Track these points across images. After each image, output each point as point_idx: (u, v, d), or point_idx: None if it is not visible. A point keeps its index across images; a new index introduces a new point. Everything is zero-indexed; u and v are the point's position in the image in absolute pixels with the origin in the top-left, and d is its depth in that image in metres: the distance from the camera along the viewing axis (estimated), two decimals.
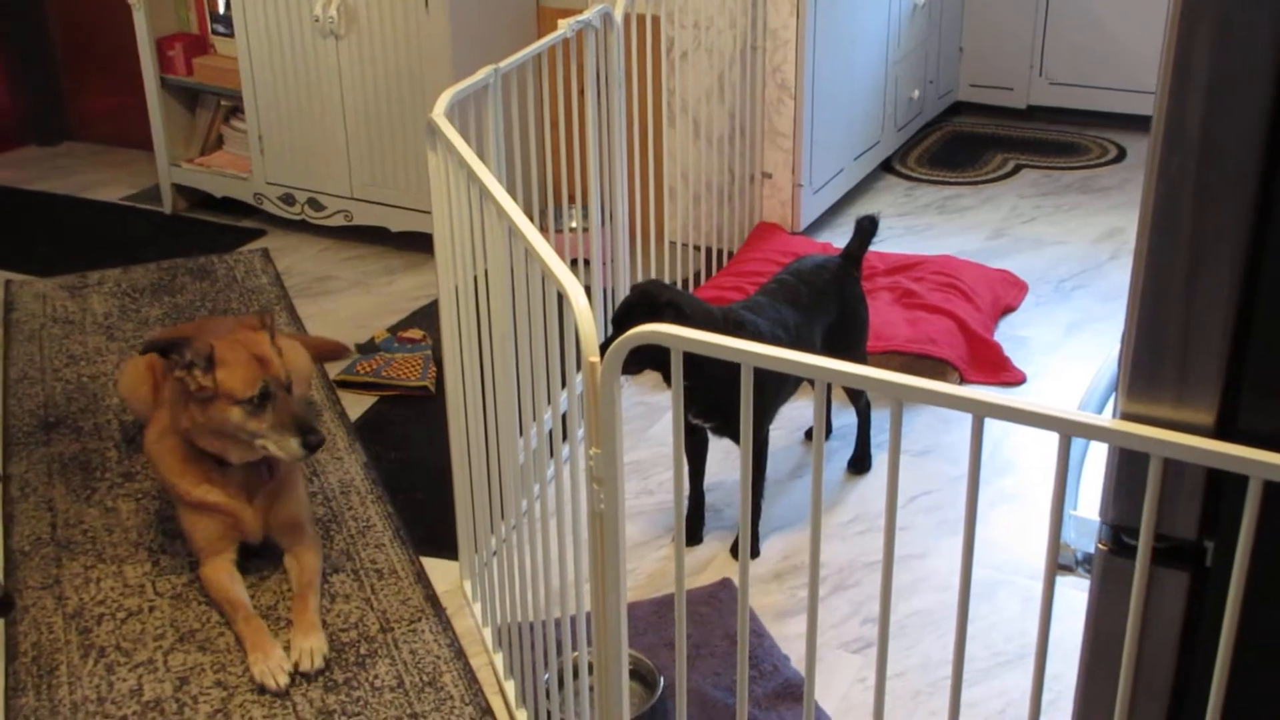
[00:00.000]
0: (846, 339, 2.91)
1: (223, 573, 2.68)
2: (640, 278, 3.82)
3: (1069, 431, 1.25)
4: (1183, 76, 1.10)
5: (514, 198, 2.12)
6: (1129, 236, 4.33)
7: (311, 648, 2.50)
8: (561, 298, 1.80)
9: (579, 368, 1.72)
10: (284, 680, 2.45)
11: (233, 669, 2.51)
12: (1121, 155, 5.05)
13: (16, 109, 5.55)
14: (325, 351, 3.65)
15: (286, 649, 2.53)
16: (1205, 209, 1.12)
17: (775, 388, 2.75)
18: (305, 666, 2.48)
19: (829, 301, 2.87)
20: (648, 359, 2.47)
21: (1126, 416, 1.22)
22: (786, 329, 2.72)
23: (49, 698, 2.44)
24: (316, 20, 4.15)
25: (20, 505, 3.02)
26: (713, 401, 2.62)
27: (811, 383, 3.01)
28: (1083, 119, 5.31)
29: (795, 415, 3.29)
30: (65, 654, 2.56)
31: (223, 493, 2.68)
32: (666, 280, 3.88)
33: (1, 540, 2.90)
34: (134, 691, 2.45)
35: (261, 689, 2.45)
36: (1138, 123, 5.19)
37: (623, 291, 3.51)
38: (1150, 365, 1.19)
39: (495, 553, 2.46)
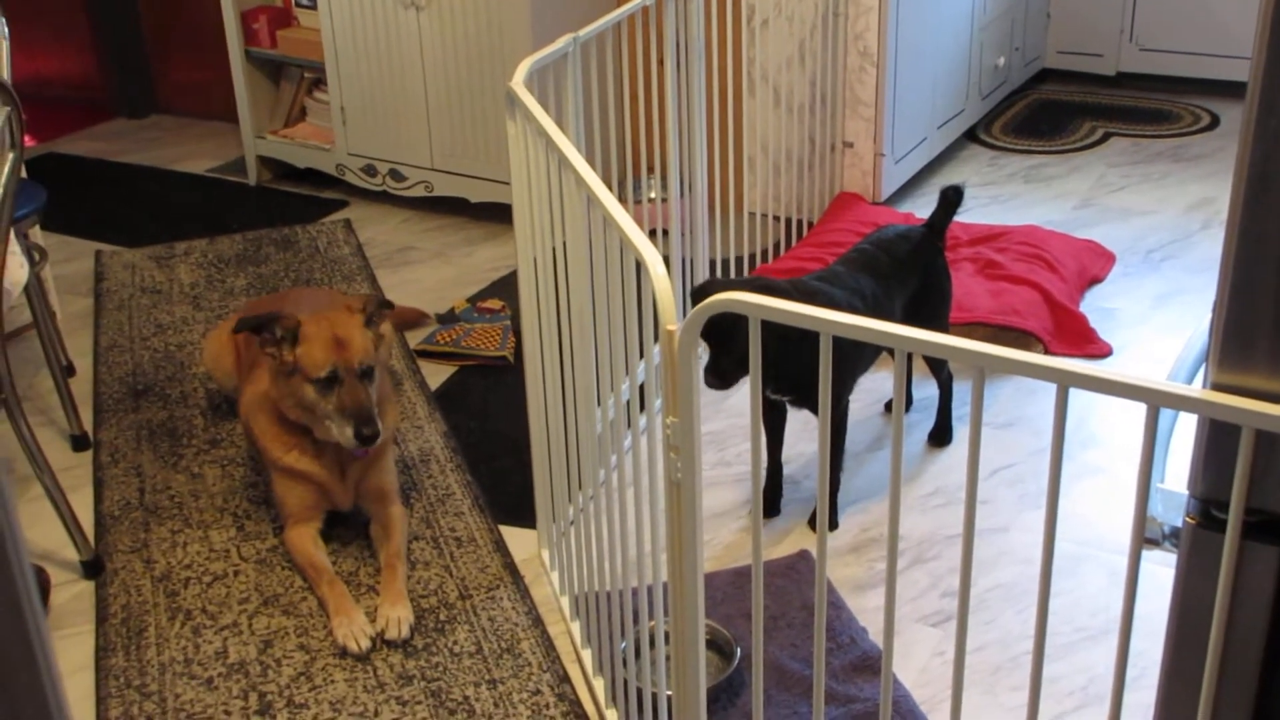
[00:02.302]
0: (928, 310, 2.88)
1: (307, 538, 2.71)
2: (719, 249, 3.81)
3: (1157, 402, 1.22)
4: None
5: (593, 168, 2.12)
6: (1220, 206, 4.22)
7: (399, 617, 2.53)
8: (640, 267, 1.79)
9: (657, 338, 1.71)
10: (366, 644, 2.48)
11: (315, 633, 2.55)
12: (1214, 123, 4.92)
13: (106, 83, 5.65)
14: (406, 320, 3.68)
15: (369, 615, 2.56)
16: None
17: (853, 358, 2.72)
18: (392, 635, 2.51)
19: (909, 272, 2.84)
20: (738, 363, 2.47)
21: (1217, 387, 1.18)
22: (864, 298, 2.69)
23: (138, 658, 2.50)
24: None
25: (110, 471, 3.09)
26: (789, 375, 2.60)
27: (892, 353, 2.97)
28: (1174, 86, 5.18)
29: (875, 387, 3.26)
30: (153, 616, 2.61)
31: (315, 462, 2.71)
32: (745, 251, 3.86)
33: (92, 505, 2.97)
34: (219, 654, 2.50)
35: (344, 652, 2.48)
36: (1231, 89, 5.05)
37: (702, 262, 3.49)
38: (1243, 334, 1.16)
39: (573, 522, 2.47)
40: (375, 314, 2.69)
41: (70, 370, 3.53)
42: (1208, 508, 1.24)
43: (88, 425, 3.27)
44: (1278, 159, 1.09)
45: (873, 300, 2.71)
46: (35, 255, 3.21)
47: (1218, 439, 1.20)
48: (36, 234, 3.55)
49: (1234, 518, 1.18)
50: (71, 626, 2.61)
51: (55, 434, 3.23)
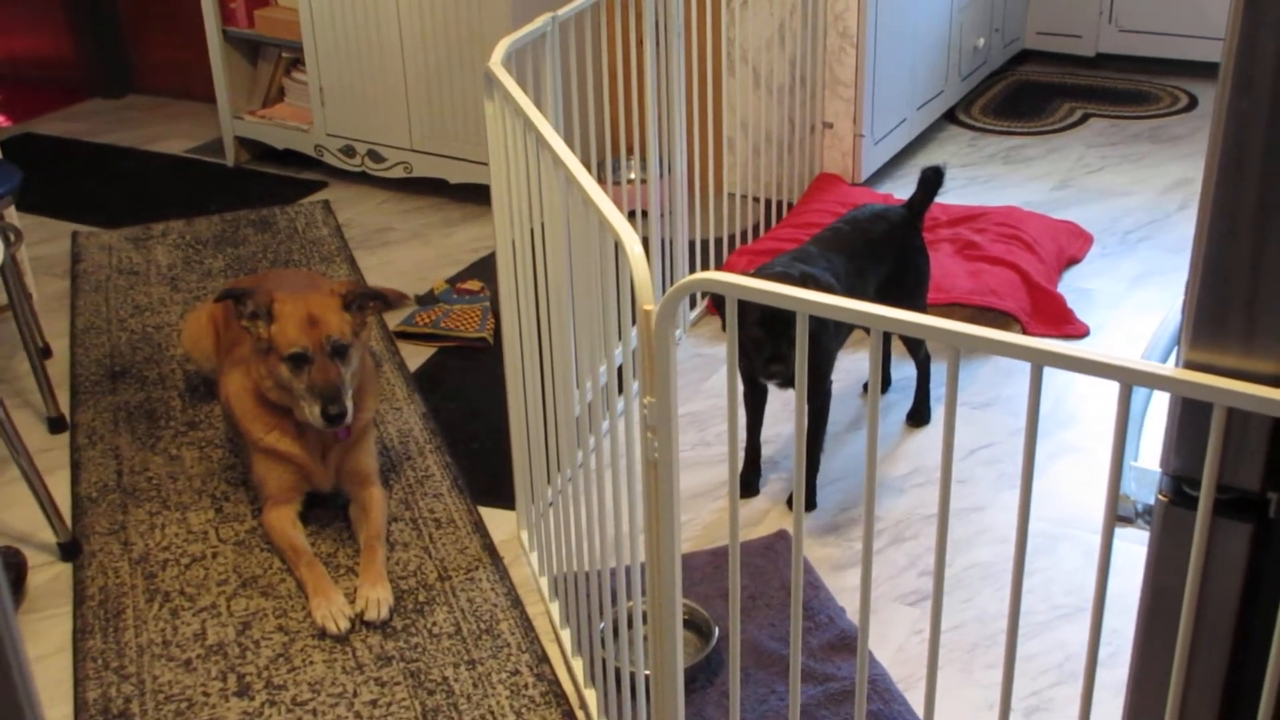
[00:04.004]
0: (905, 290, 2.88)
1: (285, 520, 2.71)
2: (698, 230, 3.81)
3: (1130, 380, 1.23)
4: (1254, 14, 1.06)
5: (571, 149, 2.11)
6: (1198, 187, 4.22)
7: (378, 598, 2.53)
8: (618, 248, 1.79)
9: (634, 320, 1.71)
10: (344, 625, 2.48)
11: (294, 614, 2.55)
12: (1193, 104, 4.93)
13: (82, 63, 5.60)
14: (386, 302, 3.66)
15: (348, 596, 2.56)
16: (1275, 152, 1.09)
17: (830, 336, 2.73)
18: (371, 616, 2.51)
19: (884, 251, 2.84)
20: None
21: (1190, 365, 1.19)
22: (837, 276, 2.69)
23: (115, 640, 2.50)
24: None
25: (87, 453, 3.08)
26: (777, 356, 2.58)
27: (868, 332, 2.98)
28: (1153, 67, 5.19)
29: (853, 367, 3.27)
30: (131, 598, 2.61)
31: (296, 443, 2.71)
32: (724, 232, 3.86)
33: (69, 487, 2.96)
34: (198, 635, 2.50)
35: (322, 633, 2.48)
36: (1210, 70, 5.06)
37: (681, 243, 3.49)
38: (1215, 312, 1.16)
39: (552, 503, 2.47)
40: (360, 302, 2.68)
41: (47, 352, 3.51)
42: (1180, 485, 1.24)
43: (64, 407, 3.25)
44: (1249, 139, 1.10)
45: (844, 279, 2.71)
46: (10, 236, 3.19)
47: (1190, 417, 1.21)
48: (12, 215, 3.52)
49: (1206, 495, 1.19)
50: (49, 609, 2.60)
51: (32, 416, 3.21)
